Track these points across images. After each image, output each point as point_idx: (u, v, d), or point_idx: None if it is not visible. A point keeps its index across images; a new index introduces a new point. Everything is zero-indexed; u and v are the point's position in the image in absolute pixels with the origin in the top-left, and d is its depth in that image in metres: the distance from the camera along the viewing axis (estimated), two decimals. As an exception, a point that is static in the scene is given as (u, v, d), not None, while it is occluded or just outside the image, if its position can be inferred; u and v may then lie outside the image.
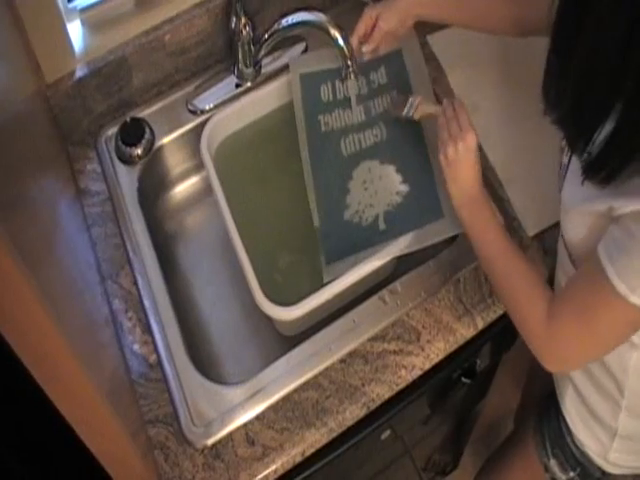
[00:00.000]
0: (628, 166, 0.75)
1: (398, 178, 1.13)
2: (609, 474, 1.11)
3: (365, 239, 1.09)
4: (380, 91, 1.19)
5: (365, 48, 1.14)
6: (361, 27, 1.12)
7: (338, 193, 1.13)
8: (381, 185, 1.13)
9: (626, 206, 0.77)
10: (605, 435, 1.06)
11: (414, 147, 1.15)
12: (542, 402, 1.23)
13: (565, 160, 0.92)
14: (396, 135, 1.16)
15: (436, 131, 1.05)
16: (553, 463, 1.18)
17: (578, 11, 0.72)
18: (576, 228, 0.89)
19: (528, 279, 0.94)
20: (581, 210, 0.87)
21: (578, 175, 0.85)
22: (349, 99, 1.18)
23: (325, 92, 1.18)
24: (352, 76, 1.14)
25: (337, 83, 1.18)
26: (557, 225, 1.16)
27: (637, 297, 0.77)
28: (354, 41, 1.13)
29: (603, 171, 0.78)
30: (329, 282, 1.05)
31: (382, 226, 1.10)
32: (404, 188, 1.13)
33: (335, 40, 1.07)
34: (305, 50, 1.32)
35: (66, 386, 0.67)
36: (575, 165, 0.88)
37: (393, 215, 1.11)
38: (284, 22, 1.12)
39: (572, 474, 1.15)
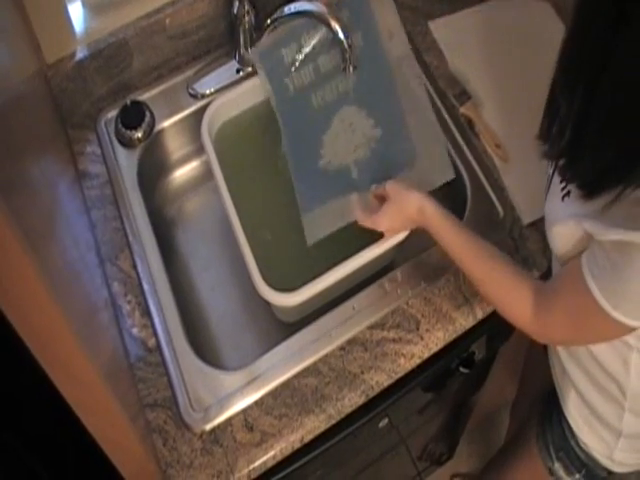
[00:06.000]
0: (609, 188, 0.75)
1: (370, 122, 1.12)
2: (615, 473, 1.11)
3: (338, 186, 1.09)
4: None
5: None
6: None
7: (312, 145, 1.12)
8: (353, 134, 1.12)
9: (605, 235, 0.78)
10: (610, 436, 1.06)
11: (384, 91, 1.13)
12: (543, 406, 1.22)
13: (550, 171, 0.93)
14: (365, 80, 1.14)
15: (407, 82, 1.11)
16: (558, 466, 1.17)
17: (601, 51, 0.69)
18: (560, 242, 0.90)
19: (508, 273, 0.95)
20: (562, 226, 0.88)
21: (558, 190, 0.86)
22: (315, 51, 1.15)
23: (288, 55, 1.16)
24: (351, 69, 1.12)
25: (302, 40, 1.15)
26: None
27: (618, 314, 0.80)
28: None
29: (585, 189, 0.78)
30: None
31: (354, 174, 1.10)
32: (377, 133, 1.12)
33: (335, 33, 1.06)
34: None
35: (66, 366, 0.67)
36: (556, 180, 0.89)
37: (365, 164, 1.10)
38: (286, 10, 1.11)
39: (577, 476, 1.15)
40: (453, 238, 0.97)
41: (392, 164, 1.09)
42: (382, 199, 1.03)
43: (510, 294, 0.94)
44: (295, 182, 1.11)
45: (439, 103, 1.26)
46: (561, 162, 0.82)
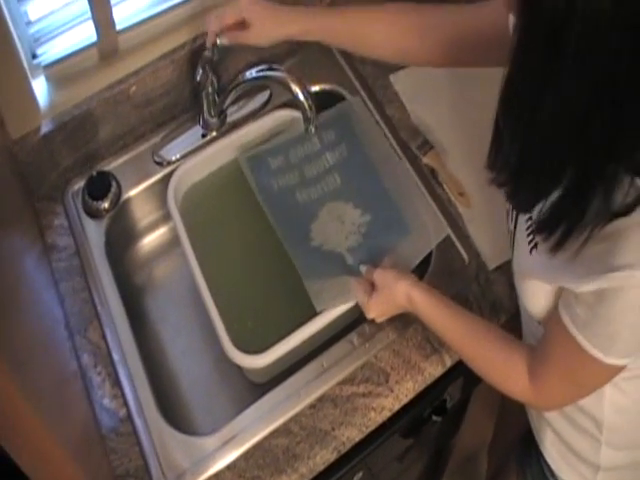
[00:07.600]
0: (575, 232, 0.75)
1: (357, 212, 1.17)
2: None
3: (335, 266, 1.12)
4: (331, 146, 1.22)
5: (221, 40, 1.12)
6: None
7: (302, 232, 1.16)
8: (343, 224, 1.16)
9: (581, 287, 0.78)
10: (588, 471, 1.06)
11: (367, 180, 1.19)
12: (521, 445, 1.23)
13: (511, 227, 0.95)
14: (350, 178, 1.20)
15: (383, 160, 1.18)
16: None
17: (539, 81, 0.69)
18: (532, 296, 0.91)
19: (499, 345, 0.96)
20: (534, 281, 0.88)
21: (525, 244, 0.87)
22: (301, 161, 1.22)
23: (274, 162, 1.21)
24: (313, 129, 1.14)
25: (290, 152, 1.22)
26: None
27: (613, 358, 0.80)
28: (211, 33, 1.11)
29: (551, 237, 0.78)
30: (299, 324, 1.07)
31: (349, 261, 1.12)
32: (366, 218, 1.16)
33: (295, 94, 1.09)
34: (269, 98, 1.34)
35: (30, 446, 0.67)
36: (521, 234, 0.90)
37: (359, 248, 1.13)
38: (247, 75, 1.14)
39: None
40: (442, 322, 0.99)
41: (386, 241, 1.13)
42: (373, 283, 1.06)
43: (503, 369, 0.95)
44: (292, 255, 1.13)
45: (402, 155, 1.28)
46: (506, 189, 0.83)
